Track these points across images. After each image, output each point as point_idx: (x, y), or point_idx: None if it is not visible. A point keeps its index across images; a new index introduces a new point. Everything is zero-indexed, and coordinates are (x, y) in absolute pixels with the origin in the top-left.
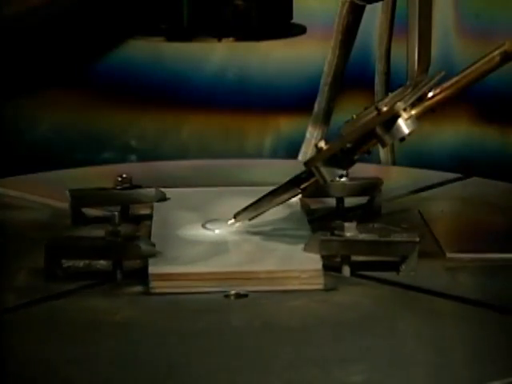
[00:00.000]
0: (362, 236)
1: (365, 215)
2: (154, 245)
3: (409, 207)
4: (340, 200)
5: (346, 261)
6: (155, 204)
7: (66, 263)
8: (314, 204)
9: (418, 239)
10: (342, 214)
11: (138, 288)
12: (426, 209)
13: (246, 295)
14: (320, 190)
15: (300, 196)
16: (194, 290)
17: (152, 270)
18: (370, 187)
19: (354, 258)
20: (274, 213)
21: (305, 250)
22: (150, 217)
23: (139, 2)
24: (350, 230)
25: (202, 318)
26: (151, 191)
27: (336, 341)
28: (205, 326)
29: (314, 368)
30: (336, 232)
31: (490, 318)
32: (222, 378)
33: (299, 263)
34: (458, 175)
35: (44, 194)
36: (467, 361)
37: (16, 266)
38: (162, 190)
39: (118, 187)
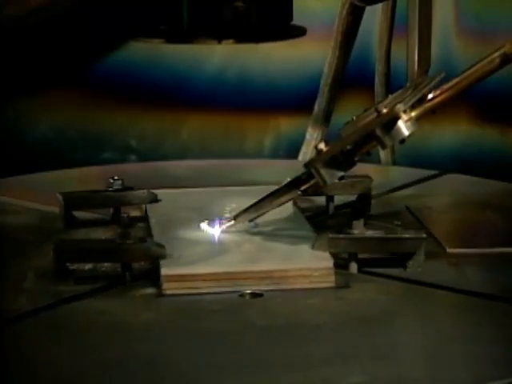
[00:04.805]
0: (370, 233)
1: (354, 213)
2: (163, 246)
3: (398, 205)
4: (330, 198)
5: (353, 258)
6: (148, 206)
7: (71, 266)
8: (303, 203)
9: (424, 235)
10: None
11: (149, 290)
12: (416, 206)
13: (261, 294)
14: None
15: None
16: (206, 290)
17: (164, 271)
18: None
19: (359, 255)
20: (270, 213)
21: (313, 248)
22: (142, 219)
23: (139, 4)
24: (358, 228)
25: (222, 318)
26: (143, 193)
27: (366, 336)
28: (227, 326)
29: (347, 362)
30: (343, 230)
31: (501, 310)
32: (247, 375)
33: (310, 261)
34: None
35: (44, 194)
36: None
37: (20, 268)
38: (154, 191)
39: (110, 189)
